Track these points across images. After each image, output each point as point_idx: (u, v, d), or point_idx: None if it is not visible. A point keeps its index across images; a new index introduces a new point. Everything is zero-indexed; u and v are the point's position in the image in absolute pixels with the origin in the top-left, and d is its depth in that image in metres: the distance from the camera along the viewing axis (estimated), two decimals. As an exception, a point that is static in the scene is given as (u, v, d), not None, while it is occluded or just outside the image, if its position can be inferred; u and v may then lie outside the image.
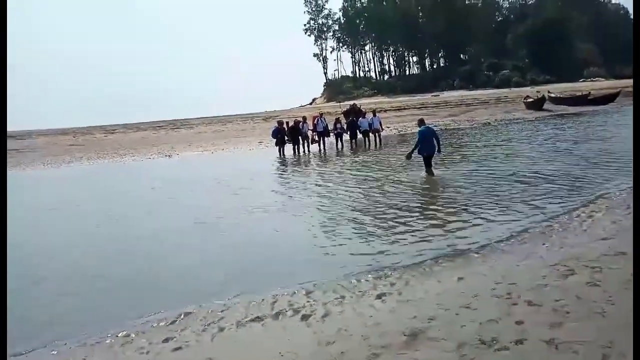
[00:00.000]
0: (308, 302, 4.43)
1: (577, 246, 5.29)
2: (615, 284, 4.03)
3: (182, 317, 4.38)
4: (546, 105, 32.83)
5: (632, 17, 78.30)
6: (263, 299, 4.58)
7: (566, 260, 4.79)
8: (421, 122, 11.00)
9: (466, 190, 8.90)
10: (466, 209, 7.51)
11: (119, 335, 4.14)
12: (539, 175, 9.71)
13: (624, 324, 3.24)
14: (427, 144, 10.48)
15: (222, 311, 4.42)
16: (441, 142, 10.81)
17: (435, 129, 11.65)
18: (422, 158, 10.71)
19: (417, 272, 4.96)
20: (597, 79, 70.07)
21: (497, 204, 7.65)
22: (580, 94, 35.69)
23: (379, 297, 4.38)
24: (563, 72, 73.04)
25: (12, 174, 19.03)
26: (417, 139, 10.74)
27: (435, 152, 10.65)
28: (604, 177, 9.00)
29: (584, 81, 67.90)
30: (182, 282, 5.38)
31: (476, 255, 5.37)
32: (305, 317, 4.11)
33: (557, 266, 4.64)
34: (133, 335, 4.11)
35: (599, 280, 4.16)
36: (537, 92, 38.39)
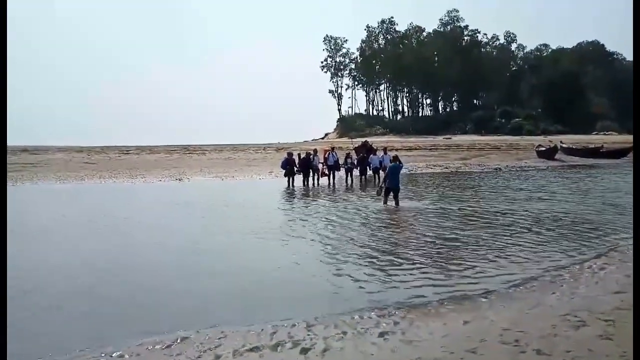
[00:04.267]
0: (308, 335, 4.31)
1: (589, 298, 5.13)
2: (629, 338, 3.86)
3: (178, 341, 4.27)
4: (558, 156, 32.83)
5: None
6: (262, 329, 4.47)
7: (577, 311, 4.64)
8: (395, 159, 12.80)
9: (476, 232, 8.78)
10: (475, 251, 7.38)
11: (112, 355, 4.04)
12: (550, 223, 9.58)
13: (638, 382, 3.08)
14: (394, 178, 12.01)
15: (219, 338, 4.30)
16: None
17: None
18: (389, 190, 12.04)
19: (422, 313, 4.82)
20: (609, 132, 70.16)
21: (506, 248, 7.51)
22: (593, 146, 35.68)
23: (381, 335, 4.25)
24: (576, 123, 73.44)
25: (26, 187, 19.29)
26: (387, 172, 12.58)
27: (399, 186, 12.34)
28: (616, 229, 8.83)
29: (596, 134, 68.02)
30: (179, 306, 5.29)
31: (483, 300, 5.22)
32: (304, 351, 3.98)
33: (567, 316, 4.49)
34: (127, 357, 4.01)
35: (612, 334, 4.01)
36: (550, 141, 38.47)
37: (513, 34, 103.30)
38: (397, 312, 4.84)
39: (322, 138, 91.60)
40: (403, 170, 19.94)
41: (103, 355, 4.04)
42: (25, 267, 6.83)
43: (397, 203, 11.93)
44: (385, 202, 12.02)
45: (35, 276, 6.45)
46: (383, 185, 12.32)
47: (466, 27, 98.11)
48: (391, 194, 12.07)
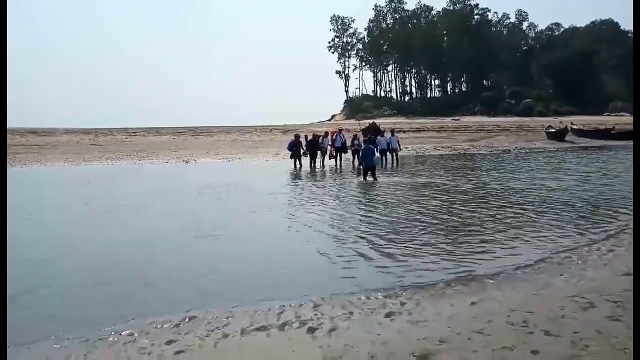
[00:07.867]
0: (315, 315, 4.33)
1: (597, 279, 5.09)
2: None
3: (187, 320, 4.32)
4: (568, 137, 32.43)
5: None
6: (269, 309, 4.50)
7: (585, 292, 4.61)
8: (366, 141, 15.45)
9: (486, 213, 8.74)
10: (482, 233, 7.34)
11: (122, 333, 4.08)
12: (559, 205, 9.49)
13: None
14: (368, 158, 13.84)
15: (227, 317, 4.34)
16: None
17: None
18: (366, 169, 13.69)
19: (429, 294, 4.82)
20: (621, 113, 68.92)
21: (513, 229, 7.47)
22: (604, 127, 35.14)
23: (388, 315, 4.26)
24: (587, 104, 72.13)
25: (33, 168, 19.46)
26: (361, 154, 14.77)
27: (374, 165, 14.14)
28: (628, 211, 8.72)
29: (608, 115, 66.89)
30: (189, 284, 5.34)
31: (491, 281, 5.20)
32: (311, 330, 4.01)
33: (575, 298, 4.46)
34: (136, 335, 4.05)
35: (621, 315, 3.98)
36: (560, 122, 37.93)
37: (524, 12, 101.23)
38: (403, 293, 4.84)
39: (329, 120, 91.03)
40: (410, 152, 19.92)
41: (113, 333, 4.09)
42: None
43: (375, 178, 13.65)
44: (364, 179, 13.63)
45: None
46: (360, 167, 14.42)
47: (476, 5, 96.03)
48: (369, 172, 13.68)
